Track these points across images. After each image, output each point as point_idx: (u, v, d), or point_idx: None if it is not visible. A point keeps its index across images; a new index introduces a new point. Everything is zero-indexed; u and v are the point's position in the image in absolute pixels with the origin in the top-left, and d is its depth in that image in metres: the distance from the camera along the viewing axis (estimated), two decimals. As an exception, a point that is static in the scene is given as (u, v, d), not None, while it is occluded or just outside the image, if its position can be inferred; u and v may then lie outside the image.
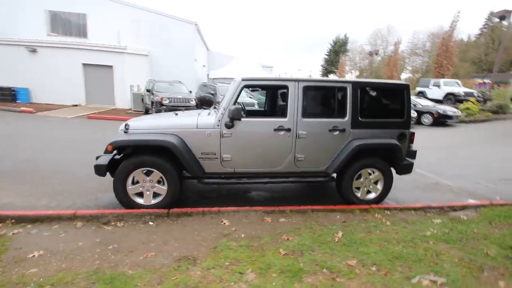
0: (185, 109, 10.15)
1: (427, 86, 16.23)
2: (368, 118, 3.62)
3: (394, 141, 3.67)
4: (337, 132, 3.56)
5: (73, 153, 5.91)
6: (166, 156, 3.28)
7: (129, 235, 2.80)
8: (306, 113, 3.48)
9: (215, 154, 3.40)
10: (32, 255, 2.41)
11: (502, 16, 14.43)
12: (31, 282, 2.03)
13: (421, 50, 52.47)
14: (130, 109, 13.77)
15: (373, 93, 3.72)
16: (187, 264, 2.26)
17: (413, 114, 11.39)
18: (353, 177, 3.68)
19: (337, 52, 59.46)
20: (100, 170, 3.20)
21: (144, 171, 3.24)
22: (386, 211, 3.56)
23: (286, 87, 3.46)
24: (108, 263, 2.32)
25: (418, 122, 12.16)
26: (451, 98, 14.84)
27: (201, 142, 3.36)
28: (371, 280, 2.08)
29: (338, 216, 3.38)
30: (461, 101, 14.14)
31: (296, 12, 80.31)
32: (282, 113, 3.51)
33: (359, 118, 3.59)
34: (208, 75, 20.25)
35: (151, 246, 2.61)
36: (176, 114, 3.84)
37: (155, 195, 3.35)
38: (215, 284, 2.00)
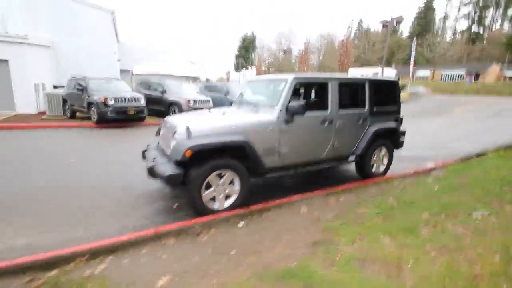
0: (135, 110, 9.10)
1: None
2: (378, 107, 4.48)
3: (395, 124, 4.69)
4: (361, 121, 4.28)
5: (36, 173, 4.63)
6: (235, 157, 3.24)
7: (235, 240, 2.72)
8: (341, 106, 4.04)
9: (274, 149, 3.55)
10: (160, 283, 2.11)
11: (385, 24, 18.83)
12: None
13: (316, 48, 61.23)
14: (45, 113, 11.06)
15: (380, 87, 4.59)
16: (332, 247, 2.48)
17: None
18: (371, 155, 4.51)
19: (247, 48, 62.53)
20: (175, 179, 2.89)
21: (218, 174, 3.12)
22: (397, 180, 4.54)
23: (326, 84, 3.91)
24: (261, 265, 2.28)
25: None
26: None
27: (263, 138, 3.44)
28: (455, 221, 2.87)
29: (374, 190, 4.12)
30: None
31: (207, 9, 79.22)
32: (324, 106, 3.95)
33: (373, 108, 4.41)
34: (131, 71, 18.06)
35: (270, 243, 2.65)
36: (224, 113, 3.71)
37: (226, 197, 3.26)
38: (377, 252, 2.35)
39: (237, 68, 60.04)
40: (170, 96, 10.38)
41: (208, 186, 3.11)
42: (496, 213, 3.10)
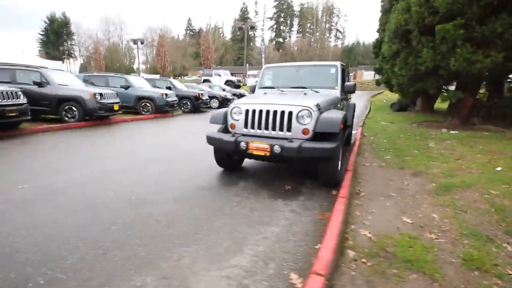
0: (17, 111, 6.10)
1: (211, 75, 20.66)
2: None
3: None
4: (349, 99, 5.84)
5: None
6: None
7: (373, 191, 3.45)
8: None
9: (338, 122, 4.37)
10: (404, 220, 2.63)
11: (240, 27, 21.70)
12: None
13: (149, 42, 58.16)
14: None
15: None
16: (429, 171, 3.80)
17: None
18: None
19: (57, 33, 49.01)
20: (335, 151, 3.13)
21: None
22: (363, 141, 6.52)
23: (344, 70, 5.08)
24: (423, 192, 3.22)
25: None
26: (230, 84, 20.35)
27: (337, 113, 4.17)
28: (433, 150, 5.02)
29: (368, 148, 5.83)
30: (237, 86, 20.01)
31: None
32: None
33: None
34: None
35: (393, 184, 3.59)
36: (305, 94, 4.01)
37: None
38: (446, 168, 3.91)
39: (49, 57, 46.20)
40: (60, 90, 7.45)
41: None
42: (435, 144, 5.63)
